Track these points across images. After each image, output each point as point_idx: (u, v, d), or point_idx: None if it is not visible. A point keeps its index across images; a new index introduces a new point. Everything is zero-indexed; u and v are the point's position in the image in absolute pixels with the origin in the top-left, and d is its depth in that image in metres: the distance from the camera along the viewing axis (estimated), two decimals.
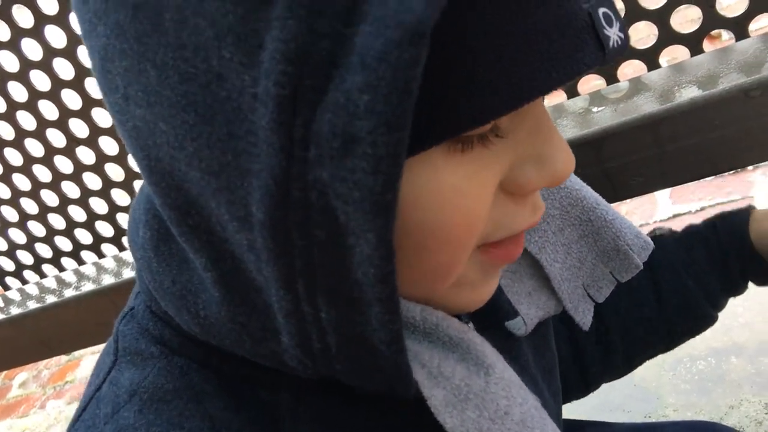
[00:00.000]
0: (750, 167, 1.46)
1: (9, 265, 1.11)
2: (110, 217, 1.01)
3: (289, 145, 0.27)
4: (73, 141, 0.93)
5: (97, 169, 0.95)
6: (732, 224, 0.63)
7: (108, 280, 0.98)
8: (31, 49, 0.85)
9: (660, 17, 0.70)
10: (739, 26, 0.70)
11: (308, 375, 0.36)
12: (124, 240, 1.03)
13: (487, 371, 0.37)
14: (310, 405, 0.39)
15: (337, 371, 0.34)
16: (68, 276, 1.06)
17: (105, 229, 1.03)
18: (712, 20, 0.69)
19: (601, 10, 0.31)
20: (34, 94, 0.89)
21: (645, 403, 1.17)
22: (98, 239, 1.04)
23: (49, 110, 0.91)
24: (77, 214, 1.01)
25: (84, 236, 1.04)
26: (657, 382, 1.18)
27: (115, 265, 1.02)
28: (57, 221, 1.03)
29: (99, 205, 1.00)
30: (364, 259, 0.29)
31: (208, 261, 0.34)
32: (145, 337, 0.41)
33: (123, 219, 1.01)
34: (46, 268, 1.10)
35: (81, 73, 0.86)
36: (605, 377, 0.68)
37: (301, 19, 0.26)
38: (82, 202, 0.99)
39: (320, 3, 0.26)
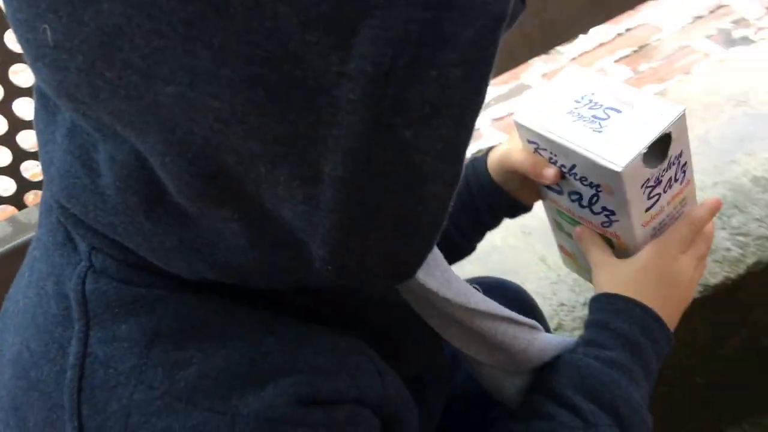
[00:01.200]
0: None
1: None
2: None
3: (378, 113, 0.34)
4: None
5: None
6: (475, 164, 0.74)
7: None
8: None
9: None
10: None
11: (322, 286, 0.42)
12: None
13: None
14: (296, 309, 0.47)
15: (361, 280, 0.42)
16: None
17: None
18: None
19: None
20: None
21: None
22: None
23: None
24: None
25: None
26: None
27: None
28: None
29: None
30: (432, 192, 0.37)
31: (235, 214, 0.38)
32: (133, 287, 0.43)
33: None
34: None
35: None
36: None
37: (400, 8, 0.32)
38: None
39: None
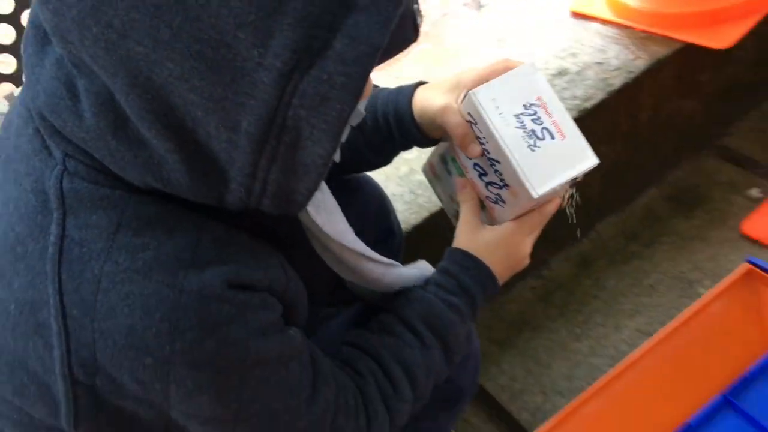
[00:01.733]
0: None
1: None
2: None
3: (281, 94, 0.49)
4: None
5: None
6: (399, 97, 0.84)
7: None
8: None
9: None
10: None
11: (236, 207, 0.56)
12: None
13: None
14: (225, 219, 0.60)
15: (262, 205, 0.56)
16: None
17: None
18: None
19: (416, 6, 0.55)
20: None
21: None
22: None
23: None
24: None
25: None
26: None
27: None
28: None
29: None
30: (316, 153, 0.52)
31: (175, 147, 0.52)
32: (100, 187, 0.57)
33: None
34: None
35: None
36: None
37: (305, 28, 0.48)
38: None
39: (316, 20, 0.48)
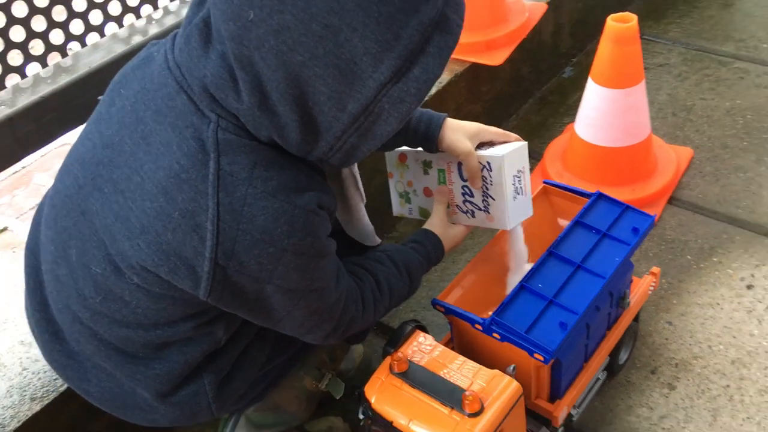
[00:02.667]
0: None
1: None
2: None
3: (378, 94, 0.78)
4: None
5: None
6: (431, 125, 1.20)
7: None
8: None
9: None
10: None
11: (313, 158, 0.86)
12: None
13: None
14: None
15: (333, 158, 0.85)
16: None
17: None
18: None
19: None
20: None
21: None
22: None
23: None
24: None
25: None
26: None
27: None
28: None
29: None
30: (385, 129, 0.82)
31: (298, 117, 0.79)
32: (242, 139, 0.84)
33: None
34: None
35: None
36: None
37: (401, 60, 0.77)
38: None
39: (407, 57, 0.77)
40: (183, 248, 0.84)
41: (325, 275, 0.95)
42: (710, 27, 2.61)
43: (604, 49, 1.79)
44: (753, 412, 1.42)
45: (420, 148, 1.26)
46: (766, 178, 1.96)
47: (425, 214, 1.35)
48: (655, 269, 1.49)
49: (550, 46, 2.43)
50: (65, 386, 1.28)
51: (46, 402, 1.25)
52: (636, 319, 1.51)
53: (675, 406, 1.45)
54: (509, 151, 1.19)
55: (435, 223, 1.26)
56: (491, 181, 1.20)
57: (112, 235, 0.88)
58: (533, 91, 2.45)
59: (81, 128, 1.03)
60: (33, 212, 1.39)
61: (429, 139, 1.20)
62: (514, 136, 1.25)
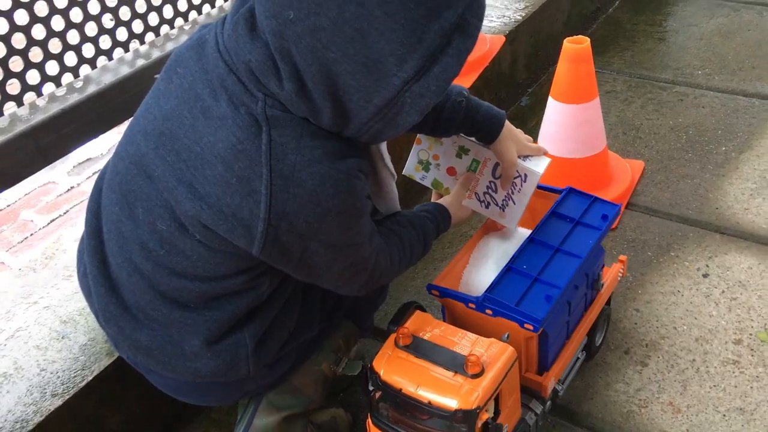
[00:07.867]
0: None
1: None
2: None
3: (401, 90, 0.89)
4: None
5: None
6: (493, 121, 1.35)
7: None
8: None
9: None
10: None
11: (347, 135, 0.97)
12: None
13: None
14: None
15: (362, 137, 0.97)
16: None
17: None
18: None
19: None
20: None
21: None
22: None
23: None
24: None
25: None
26: None
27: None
28: None
29: None
30: (406, 120, 0.94)
31: (330, 104, 0.90)
32: (287, 114, 0.94)
33: None
34: None
35: None
36: None
37: (423, 60, 0.89)
38: None
39: (429, 57, 0.88)
40: (240, 210, 0.95)
41: (361, 232, 1.07)
42: (649, 58, 2.86)
43: (562, 68, 1.98)
44: (718, 380, 1.56)
45: (473, 138, 1.42)
46: (711, 183, 2.16)
47: (438, 186, 1.49)
48: (623, 257, 1.64)
49: (507, 77, 2.63)
50: (84, 382, 1.34)
51: (67, 397, 1.32)
52: (608, 303, 1.65)
53: (649, 380, 1.58)
54: (544, 169, 1.40)
55: (451, 203, 1.41)
56: (520, 188, 1.40)
57: (176, 197, 0.98)
58: None
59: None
60: (22, 245, 1.52)
61: (488, 137, 1.36)
62: (544, 150, 1.45)
